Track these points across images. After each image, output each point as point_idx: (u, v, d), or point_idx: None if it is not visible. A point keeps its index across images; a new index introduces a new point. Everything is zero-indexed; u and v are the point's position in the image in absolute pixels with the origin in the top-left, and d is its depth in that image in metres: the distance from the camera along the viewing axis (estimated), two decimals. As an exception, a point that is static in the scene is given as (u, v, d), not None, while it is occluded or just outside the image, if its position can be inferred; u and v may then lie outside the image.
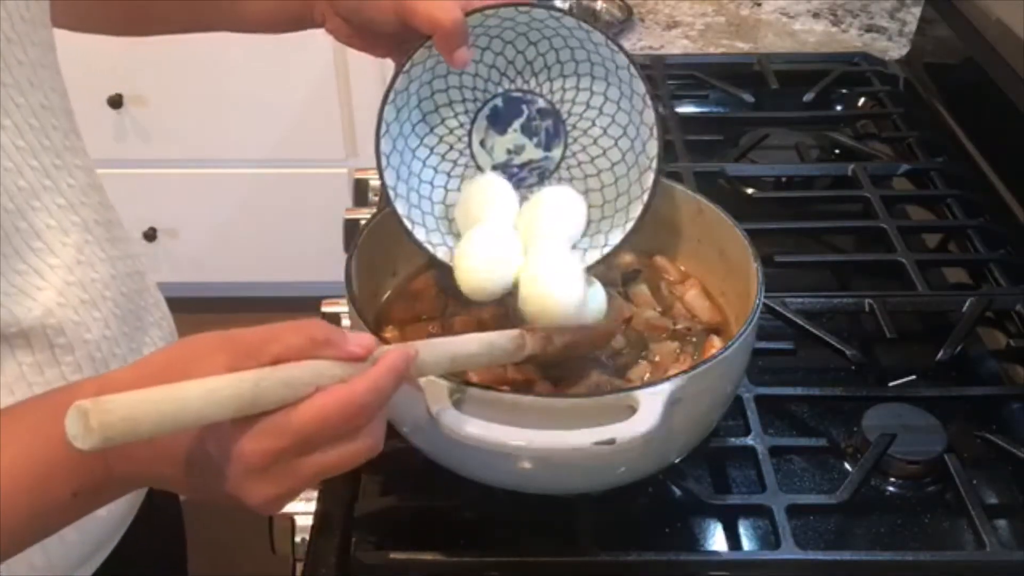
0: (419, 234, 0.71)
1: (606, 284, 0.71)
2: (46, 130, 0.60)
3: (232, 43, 1.93)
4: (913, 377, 0.79)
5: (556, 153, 0.74)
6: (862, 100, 1.19)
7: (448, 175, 0.73)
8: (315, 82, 1.92)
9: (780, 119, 1.14)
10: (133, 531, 0.70)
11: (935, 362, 0.80)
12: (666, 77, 1.19)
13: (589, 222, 0.72)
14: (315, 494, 0.71)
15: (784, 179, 1.06)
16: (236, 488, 0.48)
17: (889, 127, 1.14)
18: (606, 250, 0.72)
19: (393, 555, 0.66)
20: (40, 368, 0.59)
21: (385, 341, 0.63)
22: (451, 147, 0.73)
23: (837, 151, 1.10)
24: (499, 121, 0.73)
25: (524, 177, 0.74)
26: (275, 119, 1.97)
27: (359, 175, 1.05)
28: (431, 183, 0.73)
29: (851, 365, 0.80)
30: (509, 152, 0.73)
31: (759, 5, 1.41)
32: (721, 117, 1.18)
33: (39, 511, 0.49)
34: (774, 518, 0.67)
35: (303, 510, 0.71)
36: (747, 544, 0.68)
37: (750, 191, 1.03)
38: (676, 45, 1.31)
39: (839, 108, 1.19)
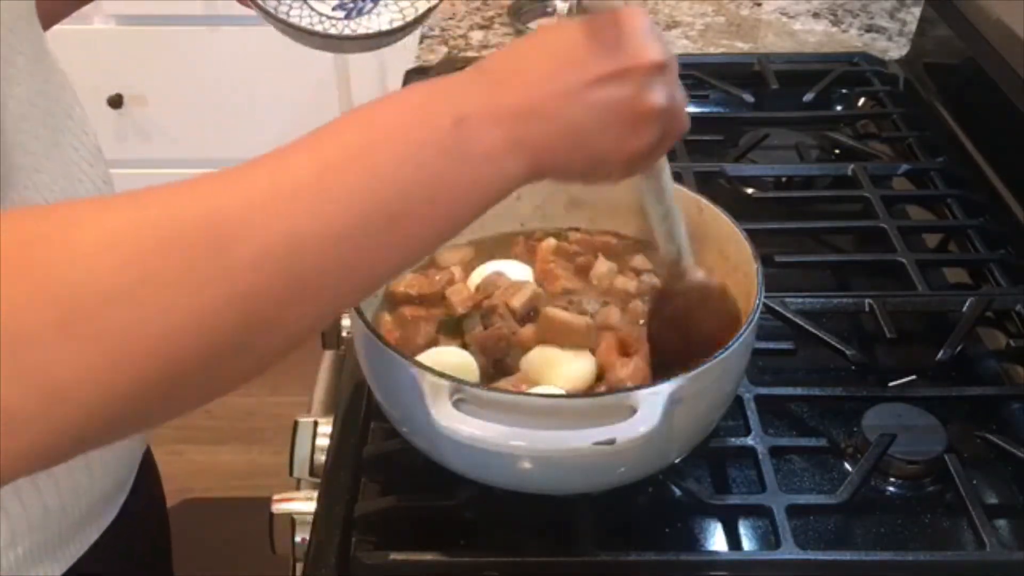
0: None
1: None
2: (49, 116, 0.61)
3: (233, 43, 1.94)
4: (913, 377, 0.79)
5: None
6: (862, 100, 1.19)
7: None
8: (315, 82, 1.92)
9: (780, 119, 1.14)
10: (115, 527, 0.70)
11: (935, 362, 0.80)
12: (666, 77, 1.19)
13: None
14: (315, 494, 0.71)
15: (784, 179, 1.06)
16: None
17: (889, 127, 1.14)
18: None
19: (393, 555, 0.66)
20: None
21: (383, 339, 0.64)
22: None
23: (837, 151, 1.10)
24: None
25: (362, 6, 0.75)
26: (275, 119, 1.97)
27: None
28: None
29: (851, 365, 0.80)
30: None
31: (759, 5, 1.41)
32: (721, 117, 1.18)
33: (418, 145, 0.45)
34: (774, 518, 0.67)
35: (303, 510, 0.72)
36: (747, 544, 0.68)
37: (750, 191, 1.03)
38: (676, 45, 1.31)
39: (839, 108, 1.19)
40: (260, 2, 0.73)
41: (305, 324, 0.43)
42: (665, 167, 0.61)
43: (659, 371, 0.66)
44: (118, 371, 0.38)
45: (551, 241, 0.79)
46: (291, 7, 0.75)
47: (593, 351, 0.68)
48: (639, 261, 0.77)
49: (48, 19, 0.74)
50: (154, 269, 0.38)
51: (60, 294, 0.37)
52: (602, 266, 0.76)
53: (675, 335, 0.68)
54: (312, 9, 0.75)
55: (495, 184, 0.48)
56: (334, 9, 0.76)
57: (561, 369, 0.67)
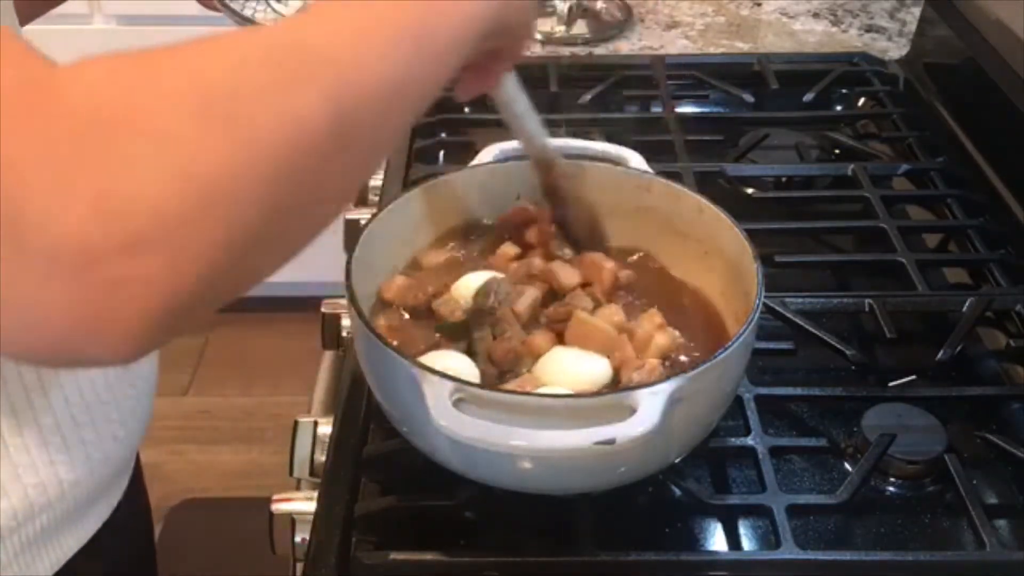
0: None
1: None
2: None
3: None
4: (913, 377, 0.79)
5: None
6: (862, 100, 1.19)
7: None
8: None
9: (780, 119, 1.14)
10: (111, 525, 0.71)
11: (935, 362, 0.80)
12: (666, 77, 1.19)
13: None
14: (315, 494, 0.71)
15: (784, 179, 1.06)
16: None
17: (889, 127, 1.14)
18: None
19: (393, 555, 0.66)
20: None
21: (383, 339, 0.64)
22: None
23: (837, 151, 1.10)
24: None
25: None
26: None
27: (359, 175, 1.06)
28: None
29: (851, 365, 0.80)
30: None
31: (759, 5, 1.41)
32: (721, 117, 1.18)
33: None
34: (774, 518, 0.67)
35: (303, 510, 0.72)
36: (747, 544, 0.68)
37: (750, 191, 1.03)
38: (676, 45, 1.31)
39: (839, 108, 1.19)
40: (227, 1, 0.76)
41: (383, 135, 0.51)
42: (511, 75, 0.71)
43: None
44: (256, 159, 0.42)
45: (508, 248, 0.77)
46: (255, 10, 0.78)
47: (610, 355, 0.69)
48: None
49: (21, 18, 0.75)
50: (261, 76, 0.44)
51: (192, 93, 0.41)
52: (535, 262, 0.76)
53: (580, 221, 0.78)
54: (275, 12, 0.78)
55: (476, 18, 0.56)
56: (297, 13, 0.78)
57: (578, 371, 0.67)
